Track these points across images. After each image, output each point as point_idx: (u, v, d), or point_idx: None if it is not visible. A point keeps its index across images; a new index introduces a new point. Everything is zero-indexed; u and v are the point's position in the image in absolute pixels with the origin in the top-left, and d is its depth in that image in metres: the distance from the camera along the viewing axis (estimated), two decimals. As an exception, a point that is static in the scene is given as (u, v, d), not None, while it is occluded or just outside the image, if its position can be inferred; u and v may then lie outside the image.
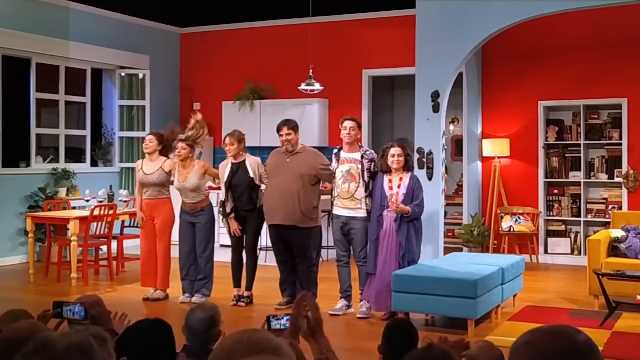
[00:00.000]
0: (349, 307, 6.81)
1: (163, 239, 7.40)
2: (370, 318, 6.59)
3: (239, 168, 7.06)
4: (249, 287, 7.17)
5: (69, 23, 10.25)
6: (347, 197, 6.67)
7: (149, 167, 7.36)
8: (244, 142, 7.21)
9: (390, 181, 6.54)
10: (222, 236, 7.59)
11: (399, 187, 6.48)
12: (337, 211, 6.77)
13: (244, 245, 7.17)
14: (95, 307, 3.09)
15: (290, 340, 2.40)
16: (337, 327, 6.37)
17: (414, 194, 6.47)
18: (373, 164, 6.71)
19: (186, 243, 7.30)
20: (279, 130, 6.95)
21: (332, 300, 6.92)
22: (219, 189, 7.40)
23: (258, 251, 7.45)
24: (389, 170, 6.54)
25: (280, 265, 7.09)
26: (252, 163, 7.07)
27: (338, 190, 6.73)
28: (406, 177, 6.53)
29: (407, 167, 6.58)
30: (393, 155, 6.50)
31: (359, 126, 6.86)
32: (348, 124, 6.76)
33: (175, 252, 7.48)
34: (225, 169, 7.12)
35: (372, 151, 6.95)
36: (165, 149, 7.45)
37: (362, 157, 6.71)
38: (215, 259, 7.45)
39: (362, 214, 6.67)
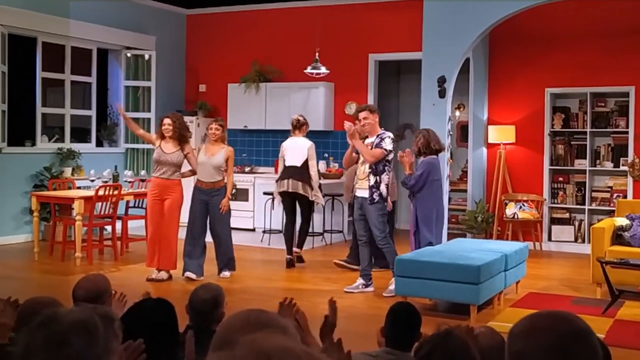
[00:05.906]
0: (366, 285, 6.93)
1: (172, 220, 7.40)
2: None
3: (297, 147, 8.05)
4: (300, 246, 8.26)
5: (75, 2, 10.21)
6: (363, 178, 6.91)
7: (168, 146, 7.38)
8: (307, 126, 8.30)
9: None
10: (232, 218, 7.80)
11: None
12: (356, 192, 7.02)
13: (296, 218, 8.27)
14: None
15: (294, 322, 2.41)
16: (339, 310, 6.36)
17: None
18: (382, 141, 6.83)
19: (198, 222, 7.44)
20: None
21: (351, 279, 7.16)
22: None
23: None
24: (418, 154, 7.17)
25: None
26: (309, 146, 8.00)
27: (359, 172, 6.99)
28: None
29: (420, 153, 7.04)
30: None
31: (372, 112, 6.98)
32: (360, 115, 7.03)
33: (181, 233, 7.52)
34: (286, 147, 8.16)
35: (389, 133, 7.01)
36: (184, 138, 7.43)
37: (376, 137, 6.92)
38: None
39: (374, 195, 6.83)
